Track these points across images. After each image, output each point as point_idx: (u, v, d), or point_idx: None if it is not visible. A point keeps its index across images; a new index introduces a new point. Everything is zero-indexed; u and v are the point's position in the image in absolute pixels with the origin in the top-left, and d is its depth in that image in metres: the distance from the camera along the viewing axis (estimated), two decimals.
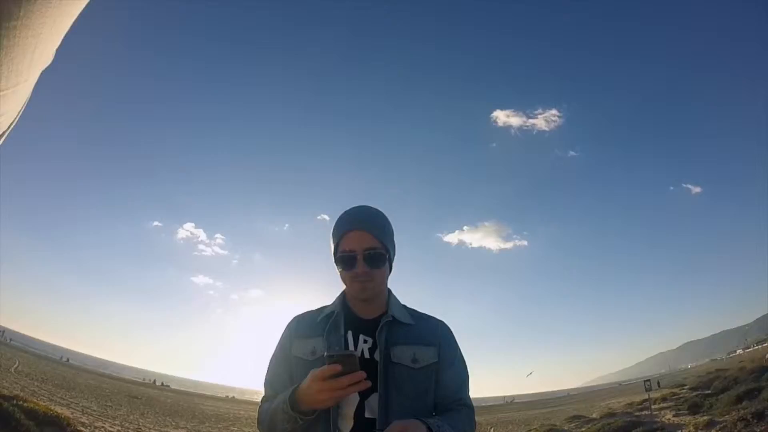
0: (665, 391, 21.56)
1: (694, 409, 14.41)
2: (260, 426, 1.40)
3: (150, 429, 13.91)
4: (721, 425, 10.75)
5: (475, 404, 1.50)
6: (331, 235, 1.45)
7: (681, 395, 19.30)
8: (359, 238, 1.38)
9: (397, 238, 1.50)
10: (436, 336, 1.44)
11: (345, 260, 1.39)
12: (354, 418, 1.31)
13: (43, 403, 10.78)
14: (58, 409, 10.94)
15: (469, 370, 1.50)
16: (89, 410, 14.57)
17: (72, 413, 12.26)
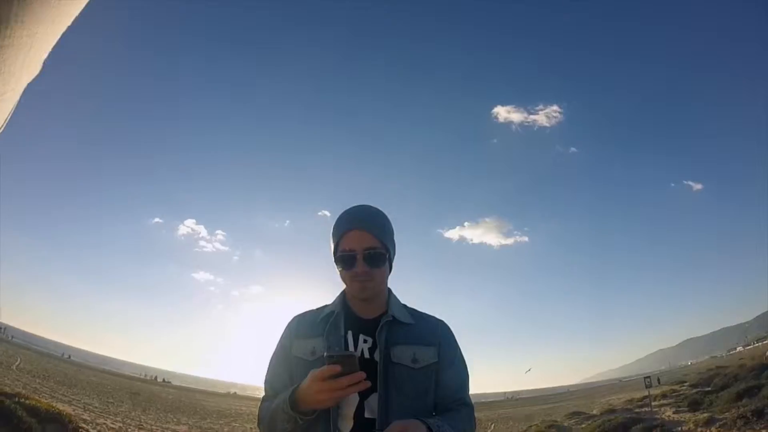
0: (665, 388, 21.60)
1: (694, 406, 14.45)
2: (260, 425, 1.41)
3: (152, 425, 13.98)
4: (721, 422, 10.79)
5: (475, 400, 1.50)
6: (331, 234, 1.45)
7: (681, 392, 19.33)
8: (359, 238, 1.38)
9: (398, 235, 1.50)
10: (436, 336, 1.44)
11: (345, 260, 1.39)
12: (354, 418, 1.32)
13: (45, 400, 10.85)
14: (60, 406, 11.01)
15: (469, 366, 1.50)
16: (91, 407, 14.64)
17: (74, 410, 12.32)
